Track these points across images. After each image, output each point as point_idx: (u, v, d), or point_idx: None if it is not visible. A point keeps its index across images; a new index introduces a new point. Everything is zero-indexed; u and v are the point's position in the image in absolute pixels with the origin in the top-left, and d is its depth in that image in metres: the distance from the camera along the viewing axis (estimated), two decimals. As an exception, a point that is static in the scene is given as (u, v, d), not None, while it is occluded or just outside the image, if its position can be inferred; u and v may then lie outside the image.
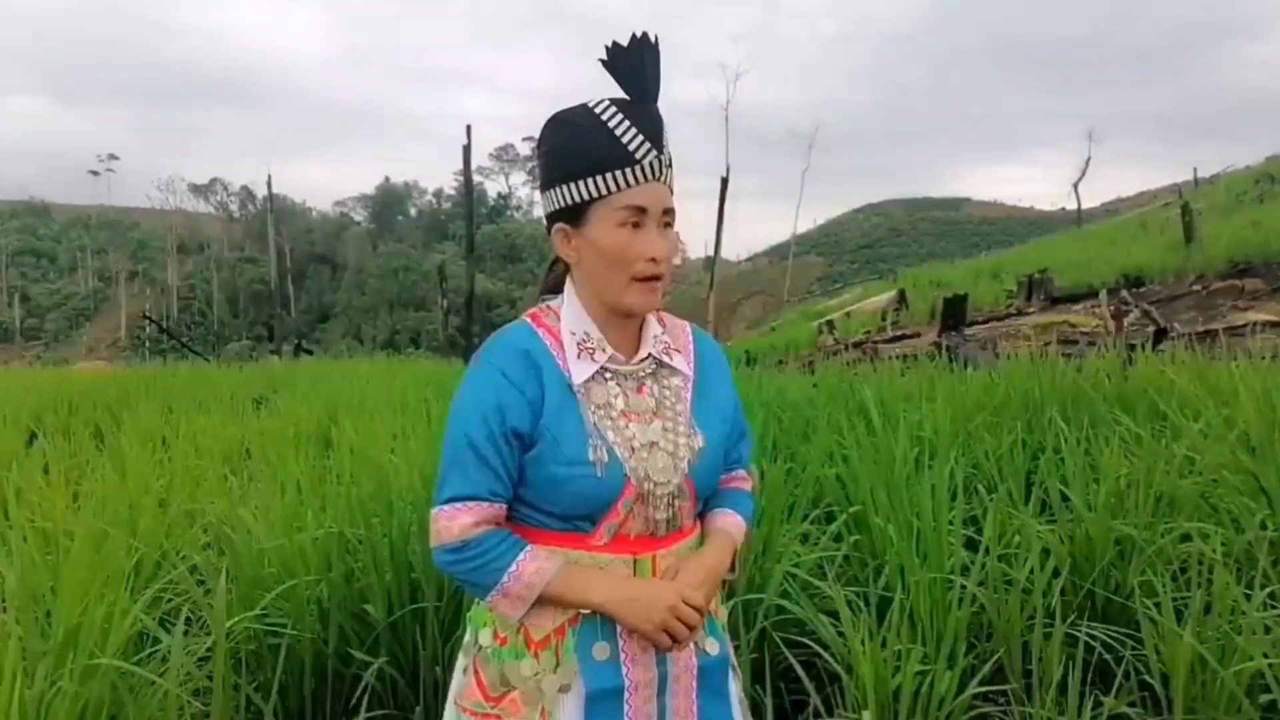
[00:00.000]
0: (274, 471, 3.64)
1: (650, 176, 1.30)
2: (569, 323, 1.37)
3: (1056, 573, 2.85)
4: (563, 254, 1.38)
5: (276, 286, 53.83)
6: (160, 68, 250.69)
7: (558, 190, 1.34)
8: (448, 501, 1.31)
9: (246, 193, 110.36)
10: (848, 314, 22.11)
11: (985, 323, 15.18)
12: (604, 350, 1.36)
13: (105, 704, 2.13)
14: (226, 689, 2.34)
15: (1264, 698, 2.36)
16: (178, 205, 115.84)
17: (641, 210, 1.30)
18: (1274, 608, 2.58)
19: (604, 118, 1.30)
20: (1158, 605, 2.49)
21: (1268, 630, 2.41)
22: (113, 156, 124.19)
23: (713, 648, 1.41)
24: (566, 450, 1.29)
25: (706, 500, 1.48)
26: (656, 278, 1.33)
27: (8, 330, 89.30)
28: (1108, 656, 2.65)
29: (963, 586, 2.65)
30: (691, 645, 1.38)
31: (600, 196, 1.30)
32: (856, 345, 14.32)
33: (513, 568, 1.29)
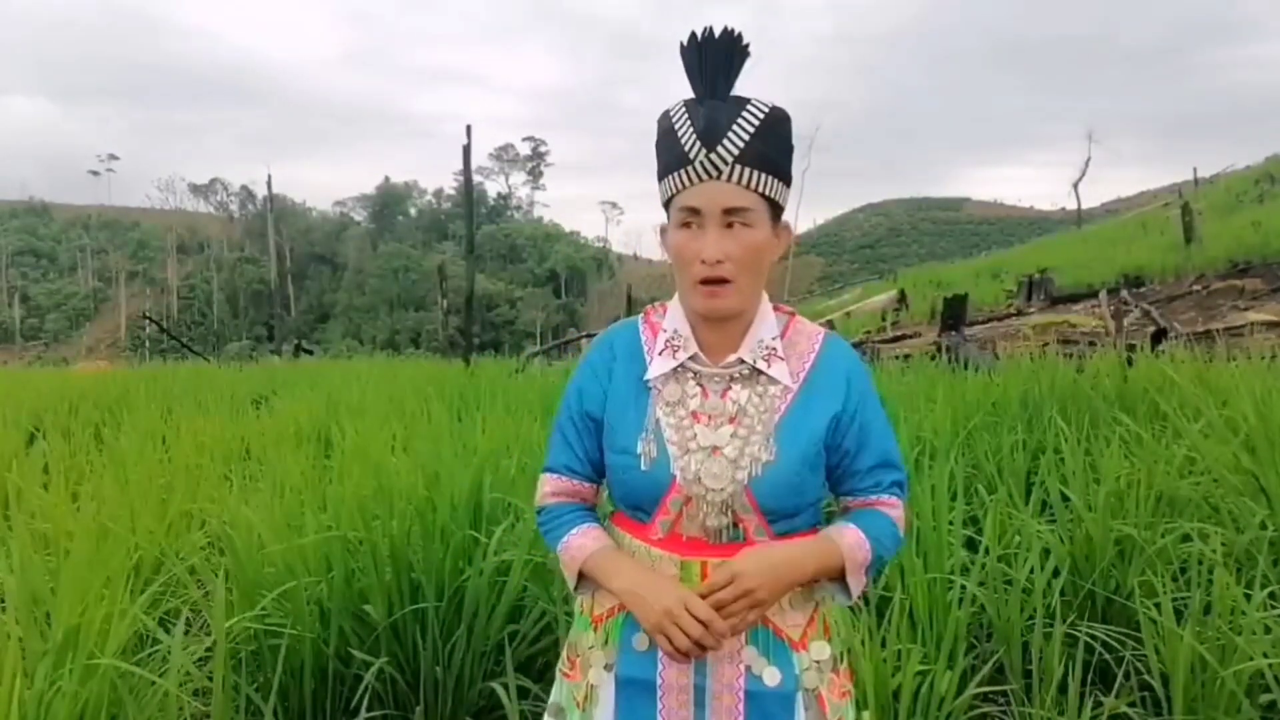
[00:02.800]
0: (274, 471, 3.64)
1: (704, 176, 1.26)
2: (668, 319, 1.40)
3: (1056, 573, 2.85)
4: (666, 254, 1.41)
5: (276, 286, 53.89)
6: (160, 68, 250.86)
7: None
8: (544, 470, 1.46)
9: (246, 193, 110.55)
10: (848, 314, 22.06)
11: (985, 323, 15.17)
12: (686, 350, 1.36)
13: (105, 704, 2.13)
14: (226, 689, 2.34)
15: (1264, 698, 2.36)
16: (177, 205, 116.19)
17: (695, 211, 1.28)
18: (1274, 608, 2.58)
19: (673, 119, 1.29)
20: (1158, 605, 2.49)
21: (1268, 630, 2.41)
22: (113, 156, 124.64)
23: (771, 678, 1.31)
24: (619, 439, 1.35)
25: (844, 514, 1.40)
26: (716, 280, 1.28)
27: (8, 330, 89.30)
28: (1108, 656, 2.65)
29: (963, 586, 2.65)
30: (740, 666, 1.32)
31: (669, 199, 1.32)
32: (856, 345, 14.31)
33: (565, 539, 1.38)
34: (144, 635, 2.59)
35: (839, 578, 1.33)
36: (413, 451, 3.66)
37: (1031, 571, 2.73)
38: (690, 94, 1.30)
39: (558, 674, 1.48)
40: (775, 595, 1.28)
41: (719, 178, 1.26)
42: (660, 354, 1.36)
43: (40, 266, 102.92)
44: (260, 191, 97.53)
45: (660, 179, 1.33)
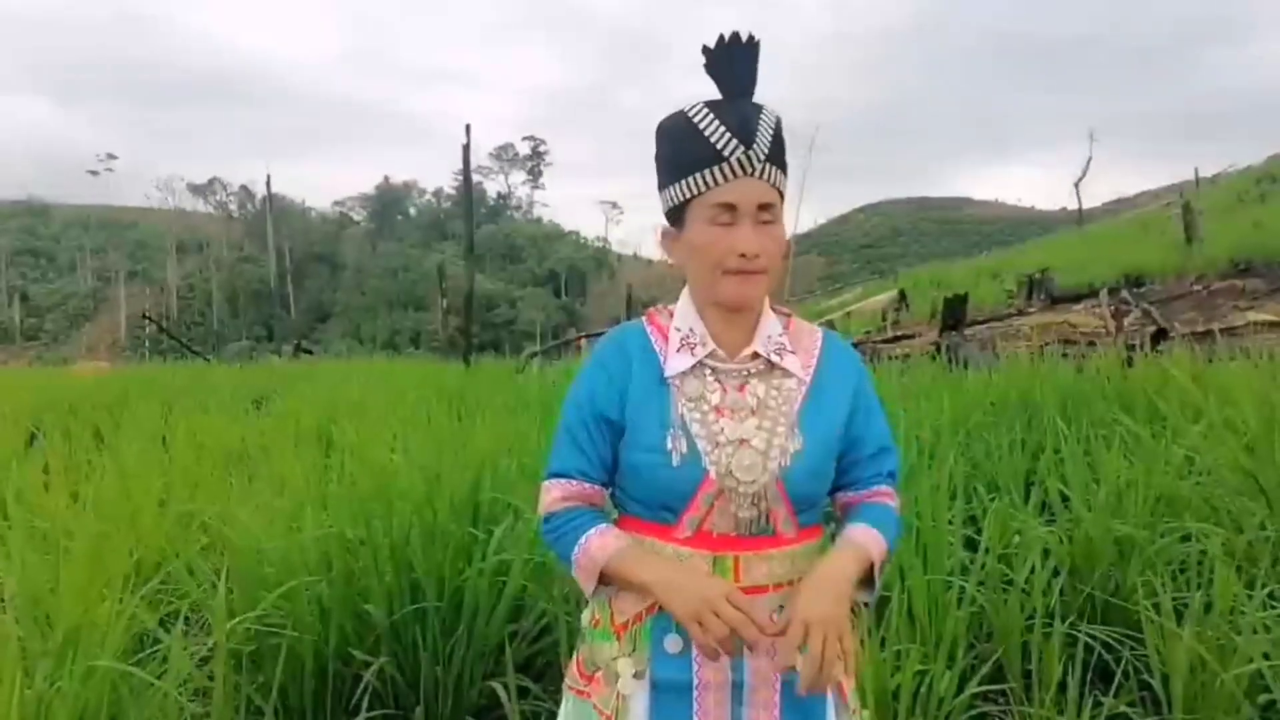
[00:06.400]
0: (274, 471, 3.65)
1: (740, 173, 1.29)
2: (678, 319, 1.41)
3: (1056, 573, 2.85)
4: (668, 257, 1.42)
5: (276, 286, 53.86)
6: (160, 68, 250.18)
7: (663, 196, 1.38)
8: (547, 477, 1.42)
9: (246, 192, 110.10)
10: (848, 314, 22.05)
11: (985, 323, 15.16)
12: (704, 346, 1.38)
13: (105, 705, 2.13)
14: (227, 690, 2.34)
15: (1264, 698, 2.36)
16: (177, 205, 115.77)
17: (731, 207, 1.31)
18: (1274, 608, 2.58)
19: (695, 120, 1.31)
20: (1157, 605, 2.49)
21: (1268, 630, 2.41)
22: (112, 156, 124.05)
23: None
24: (645, 437, 1.34)
25: (845, 512, 1.45)
26: (751, 271, 1.32)
27: (7, 330, 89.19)
28: (1108, 657, 2.65)
29: (962, 586, 2.65)
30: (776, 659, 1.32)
31: (693, 196, 1.33)
32: (857, 345, 14.30)
33: (583, 540, 1.35)
34: (144, 636, 2.60)
35: (866, 578, 1.35)
36: (412, 451, 3.66)
37: (1031, 571, 2.73)
38: (703, 97, 1.33)
39: (567, 694, 1.44)
40: (845, 611, 1.29)
41: (754, 174, 1.30)
42: (677, 352, 1.38)
43: (40, 266, 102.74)
44: (260, 191, 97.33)
45: (677, 179, 1.33)
